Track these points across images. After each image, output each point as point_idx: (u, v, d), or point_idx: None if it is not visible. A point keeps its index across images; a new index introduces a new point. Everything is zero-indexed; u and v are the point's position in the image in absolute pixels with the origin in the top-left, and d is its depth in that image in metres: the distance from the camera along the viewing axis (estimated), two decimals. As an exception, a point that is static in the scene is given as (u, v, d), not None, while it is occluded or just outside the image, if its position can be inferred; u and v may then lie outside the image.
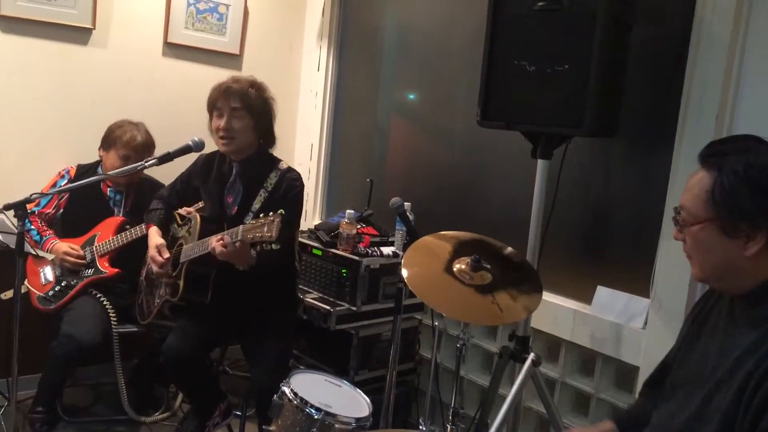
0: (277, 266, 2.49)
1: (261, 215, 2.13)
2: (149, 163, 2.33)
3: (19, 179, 2.92)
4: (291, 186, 2.51)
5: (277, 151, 2.65)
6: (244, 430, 2.59)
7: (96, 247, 2.86)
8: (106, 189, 2.97)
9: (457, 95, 3.04)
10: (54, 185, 2.90)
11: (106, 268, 2.83)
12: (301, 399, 1.88)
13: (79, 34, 3.11)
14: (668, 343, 1.58)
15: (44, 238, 2.87)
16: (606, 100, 1.98)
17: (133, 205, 2.97)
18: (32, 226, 2.86)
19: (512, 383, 1.84)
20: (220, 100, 2.46)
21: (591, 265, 2.51)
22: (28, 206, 2.14)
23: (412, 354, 3.01)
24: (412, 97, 3.38)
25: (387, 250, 2.84)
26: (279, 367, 2.41)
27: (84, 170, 2.96)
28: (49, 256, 2.89)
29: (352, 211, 2.88)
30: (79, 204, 2.92)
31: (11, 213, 2.12)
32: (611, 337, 2.32)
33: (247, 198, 2.50)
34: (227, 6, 3.50)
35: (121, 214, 2.95)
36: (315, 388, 2.00)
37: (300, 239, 2.84)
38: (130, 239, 2.82)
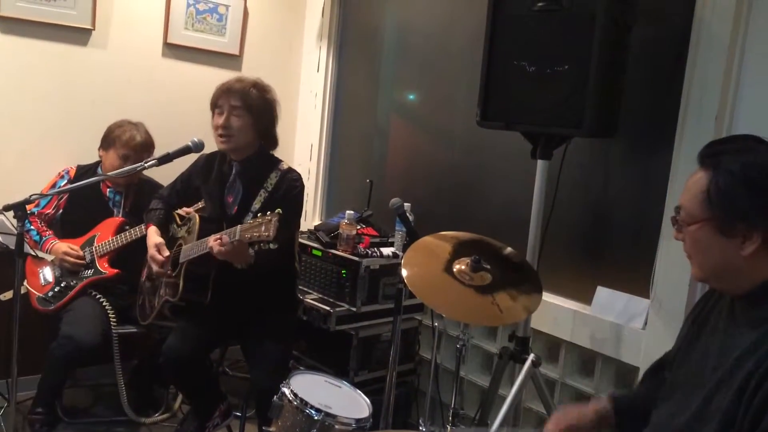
0: (276, 266, 2.49)
1: (258, 214, 2.13)
2: (149, 163, 2.33)
3: (18, 180, 2.91)
4: (291, 186, 2.51)
5: (276, 152, 2.64)
6: (244, 431, 2.58)
7: (95, 247, 2.86)
8: (106, 189, 2.97)
9: (456, 96, 3.04)
10: (53, 186, 2.90)
11: (105, 269, 2.83)
12: (301, 400, 1.88)
13: (79, 35, 3.11)
14: (668, 344, 1.58)
15: (44, 239, 2.86)
16: (606, 101, 1.98)
17: (132, 206, 2.97)
18: (32, 227, 2.85)
19: (512, 384, 1.84)
20: (221, 98, 2.47)
21: (591, 266, 2.51)
22: (28, 207, 2.14)
23: (412, 355, 3.01)
24: (411, 97, 3.38)
25: (387, 251, 2.84)
26: (279, 368, 2.41)
27: (84, 171, 2.96)
28: (49, 257, 2.89)
29: (352, 212, 2.88)
30: (78, 204, 2.92)
31: (11, 214, 2.12)
32: (611, 337, 2.32)
33: (247, 198, 2.50)
34: (227, 7, 3.50)
35: (120, 215, 2.95)
36: (315, 388, 2.00)
37: (300, 240, 2.84)
38: (129, 240, 2.82)
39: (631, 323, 2.28)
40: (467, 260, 1.90)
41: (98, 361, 2.84)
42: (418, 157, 3.29)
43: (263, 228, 2.06)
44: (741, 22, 2.00)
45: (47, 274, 2.86)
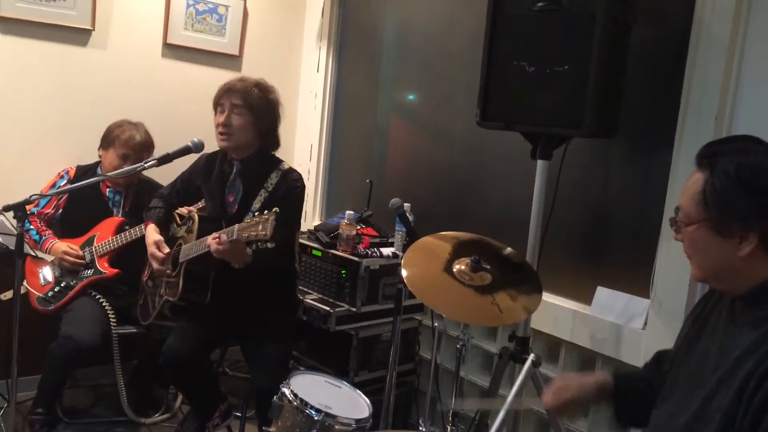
0: (274, 266, 2.49)
1: (256, 213, 2.14)
2: (148, 164, 2.33)
3: (18, 180, 2.92)
4: (292, 186, 2.51)
5: (276, 152, 2.64)
6: (244, 431, 2.59)
7: (95, 247, 2.86)
8: (105, 189, 2.97)
9: (456, 96, 3.04)
10: (53, 186, 2.90)
11: (105, 269, 2.83)
12: (301, 400, 1.88)
13: (79, 36, 3.11)
14: (668, 344, 1.58)
15: (43, 238, 2.87)
16: (605, 101, 1.98)
17: (132, 206, 2.97)
18: (31, 226, 2.86)
19: (512, 384, 1.84)
20: (223, 97, 2.48)
21: (591, 266, 2.51)
22: (28, 207, 2.14)
23: (412, 355, 3.01)
24: (411, 97, 3.38)
25: (387, 251, 2.84)
26: (279, 369, 2.41)
27: (83, 171, 2.96)
28: (49, 257, 2.89)
29: (352, 212, 2.88)
30: (78, 204, 2.92)
31: (11, 214, 2.12)
32: (611, 337, 2.32)
33: (248, 197, 2.50)
34: (226, 7, 3.50)
35: (120, 215, 2.95)
36: (315, 389, 2.00)
37: (300, 240, 2.84)
38: (129, 239, 2.82)
39: (631, 323, 2.28)
40: (467, 260, 1.90)
41: (98, 362, 2.84)
42: (418, 158, 3.29)
43: (260, 227, 2.07)
44: (741, 22, 2.00)
45: (47, 274, 2.86)
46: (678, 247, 1.42)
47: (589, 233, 2.53)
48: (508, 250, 2.06)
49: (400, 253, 2.55)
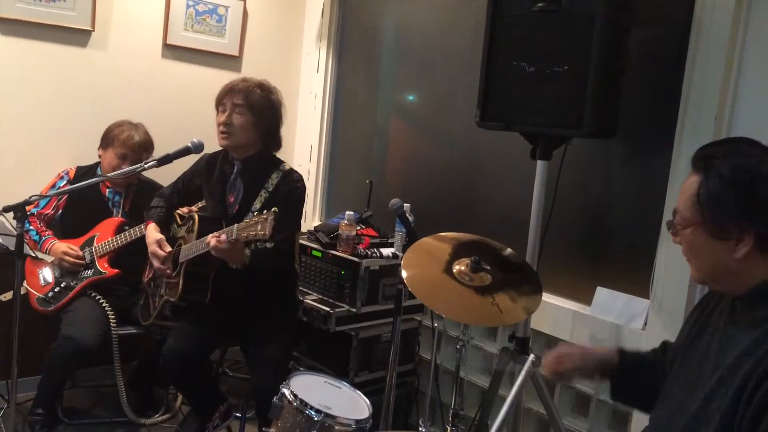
0: (273, 267, 2.49)
1: (255, 213, 2.14)
2: (148, 164, 2.33)
3: (18, 181, 2.92)
4: (292, 187, 2.51)
5: (276, 153, 2.65)
6: (244, 431, 2.59)
7: (95, 247, 2.86)
8: (105, 190, 2.97)
9: (456, 96, 3.04)
10: (53, 186, 2.90)
11: (105, 269, 2.83)
12: (301, 401, 1.87)
13: (79, 36, 3.11)
14: (668, 344, 1.58)
15: (43, 239, 2.87)
16: (605, 101, 1.98)
17: (131, 206, 2.98)
18: (31, 227, 2.86)
19: (512, 384, 1.84)
20: (225, 96, 2.49)
21: (590, 266, 2.51)
22: (27, 207, 2.14)
23: (412, 355, 3.01)
24: (411, 98, 3.38)
25: (386, 252, 2.84)
26: (279, 369, 2.41)
27: (83, 171, 2.96)
28: (49, 258, 2.89)
29: (352, 213, 2.88)
30: (78, 205, 2.92)
31: (11, 215, 2.12)
32: (611, 338, 2.32)
33: (248, 198, 2.51)
34: (226, 8, 3.50)
35: (119, 215, 2.95)
36: (315, 389, 2.00)
37: (300, 241, 2.83)
38: (129, 240, 2.82)
39: (631, 324, 2.28)
40: (467, 261, 1.90)
41: (98, 362, 2.85)
42: (417, 158, 3.29)
43: (259, 227, 2.08)
44: (740, 23, 2.00)
45: (47, 274, 2.86)
46: (678, 248, 1.42)
47: (588, 233, 2.54)
48: (508, 250, 2.06)
49: (400, 254, 2.55)
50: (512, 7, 2.08)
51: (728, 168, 1.25)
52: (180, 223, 2.65)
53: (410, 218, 2.40)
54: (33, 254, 2.63)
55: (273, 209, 2.09)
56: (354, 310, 2.74)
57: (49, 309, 2.77)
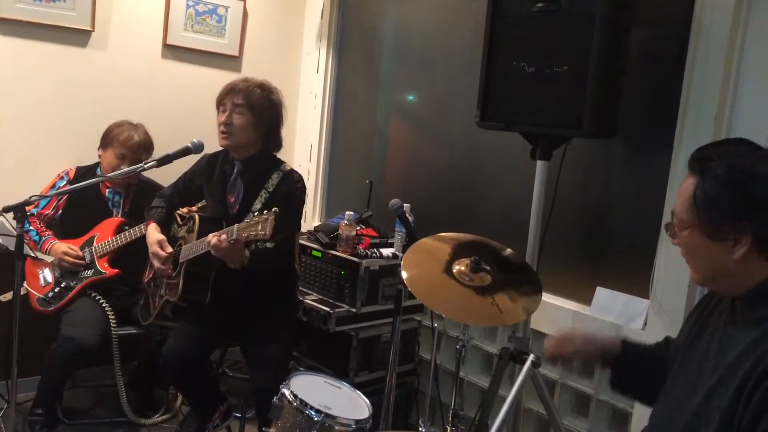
0: (273, 267, 2.49)
1: (256, 213, 2.14)
2: (148, 165, 2.33)
3: (18, 181, 2.92)
4: (293, 188, 2.52)
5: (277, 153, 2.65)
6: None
7: (95, 247, 2.86)
8: (105, 190, 2.97)
9: (456, 96, 3.04)
10: (53, 187, 2.90)
11: (105, 269, 2.83)
12: (301, 401, 1.87)
13: (79, 36, 3.11)
14: (668, 344, 1.58)
15: (43, 239, 2.87)
16: (605, 101, 1.98)
17: (131, 206, 2.98)
18: (31, 227, 2.86)
19: (512, 384, 1.84)
20: (226, 96, 2.50)
21: (590, 266, 2.51)
22: (27, 208, 2.14)
23: (412, 355, 3.01)
24: (411, 98, 3.38)
25: (386, 252, 2.84)
26: (279, 369, 2.41)
27: (83, 172, 2.96)
28: (49, 258, 2.89)
29: (352, 213, 2.88)
30: (78, 205, 2.92)
31: (11, 215, 2.12)
32: (611, 338, 2.31)
33: (249, 198, 2.51)
34: (226, 8, 3.50)
35: (119, 215, 2.95)
36: (315, 389, 2.00)
37: (299, 241, 2.83)
38: (129, 239, 2.82)
39: (631, 324, 2.28)
40: (467, 261, 1.90)
41: (98, 362, 2.84)
42: (417, 158, 3.29)
43: (260, 227, 2.08)
44: (740, 23, 2.00)
45: (47, 274, 2.86)
46: (677, 248, 1.42)
47: (588, 233, 2.54)
48: (508, 250, 2.06)
49: (400, 254, 2.55)
50: (512, 7, 2.08)
51: (723, 169, 1.25)
52: (180, 223, 2.65)
53: (410, 218, 2.40)
54: (33, 254, 2.63)
55: (274, 209, 2.09)
56: (354, 310, 2.74)
57: (49, 309, 2.77)
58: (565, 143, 2.16)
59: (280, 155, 2.66)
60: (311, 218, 3.76)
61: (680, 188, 1.34)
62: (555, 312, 2.48)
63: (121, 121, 2.98)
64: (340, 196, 3.77)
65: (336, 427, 1.85)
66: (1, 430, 2.65)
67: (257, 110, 2.47)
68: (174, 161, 2.37)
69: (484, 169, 2.92)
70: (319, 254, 2.91)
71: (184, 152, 2.39)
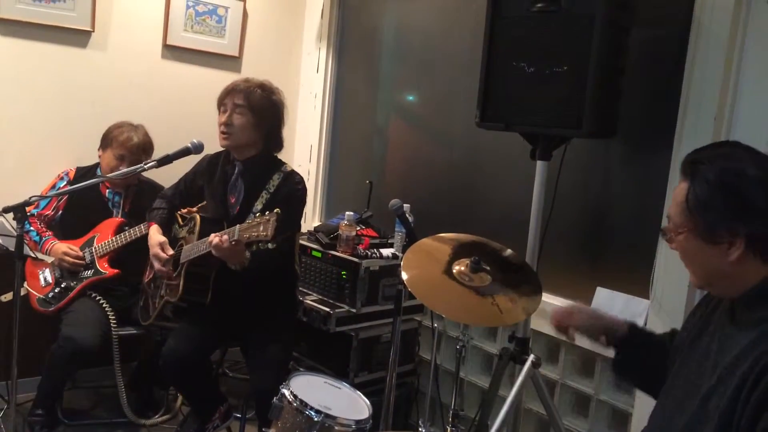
0: (274, 268, 2.49)
1: (257, 214, 2.14)
2: (148, 165, 2.33)
3: (18, 181, 2.92)
4: (293, 189, 2.52)
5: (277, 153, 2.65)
6: (244, 432, 2.59)
7: (95, 248, 2.86)
8: (105, 190, 2.98)
9: (456, 97, 3.04)
10: (53, 187, 2.91)
11: (105, 269, 2.83)
12: (301, 401, 1.87)
13: (79, 37, 3.12)
14: (668, 344, 1.58)
15: (43, 239, 2.87)
16: (605, 101, 1.98)
17: (131, 207, 2.98)
18: (31, 228, 2.86)
19: (512, 385, 1.84)
20: (227, 97, 2.50)
21: (590, 267, 2.51)
22: (28, 208, 2.14)
23: (412, 356, 3.01)
24: (411, 98, 3.38)
25: (386, 252, 2.84)
26: (279, 370, 2.41)
27: (83, 172, 2.96)
28: (49, 259, 2.89)
29: (352, 213, 2.88)
30: (78, 206, 2.92)
31: (11, 216, 2.12)
32: (611, 338, 2.31)
33: (249, 198, 2.51)
34: (226, 8, 3.50)
35: (119, 216, 2.95)
36: (314, 390, 2.00)
37: (300, 241, 2.83)
38: (129, 240, 2.82)
39: (631, 324, 2.28)
40: (467, 261, 1.90)
41: (98, 363, 2.84)
42: (417, 158, 3.29)
43: (261, 228, 2.08)
44: (740, 23, 2.00)
45: (47, 275, 2.87)
46: (676, 249, 1.42)
47: (588, 234, 2.54)
48: (508, 251, 2.06)
49: (400, 254, 2.55)
50: (512, 7, 2.08)
51: (714, 172, 1.26)
52: (182, 223, 2.65)
53: (410, 218, 2.40)
54: (33, 255, 2.63)
55: (275, 210, 2.09)
56: (354, 310, 2.74)
57: (50, 309, 2.77)
58: (565, 143, 2.15)
59: (281, 155, 2.66)
60: (311, 218, 3.76)
61: (674, 193, 1.35)
62: (555, 312, 2.47)
63: (121, 122, 2.98)
64: (340, 196, 3.77)
65: (336, 428, 1.85)
66: (1, 430, 2.65)
67: (258, 111, 2.47)
68: (174, 162, 2.37)
69: (484, 169, 2.92)
70: (319, 255, 2.91)
71: (184, 153, 2.39)
